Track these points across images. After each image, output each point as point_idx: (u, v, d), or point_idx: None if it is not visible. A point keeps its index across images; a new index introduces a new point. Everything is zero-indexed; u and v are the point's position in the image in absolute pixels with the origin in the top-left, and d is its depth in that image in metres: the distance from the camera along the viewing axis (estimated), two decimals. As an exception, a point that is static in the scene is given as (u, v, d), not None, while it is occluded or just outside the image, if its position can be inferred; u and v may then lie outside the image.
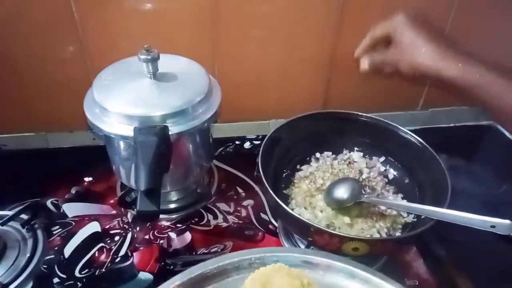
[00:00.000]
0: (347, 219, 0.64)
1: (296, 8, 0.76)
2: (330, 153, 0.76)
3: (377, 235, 0.63)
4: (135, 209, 0.67)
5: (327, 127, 0.75)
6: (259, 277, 0.41)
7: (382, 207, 0.66)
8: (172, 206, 0.73)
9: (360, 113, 0.73)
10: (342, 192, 0.65)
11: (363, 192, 0.64)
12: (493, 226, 0.51)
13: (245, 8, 0.74)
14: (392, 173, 0.73)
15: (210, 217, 0.72)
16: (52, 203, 0.73)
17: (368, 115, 0.73)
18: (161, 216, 0.70)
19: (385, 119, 0.73)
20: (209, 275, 0.44)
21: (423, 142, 0.68)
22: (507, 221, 0.51)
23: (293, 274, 0.42)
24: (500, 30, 0.84)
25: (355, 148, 0.77)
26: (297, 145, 0.75)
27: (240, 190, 0.77)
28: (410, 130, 0.70)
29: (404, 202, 0.67)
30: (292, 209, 0.63)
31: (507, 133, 0.95)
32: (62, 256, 0.64)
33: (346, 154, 0.76)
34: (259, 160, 0.62)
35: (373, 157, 0.75)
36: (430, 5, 0.78)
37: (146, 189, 0.50)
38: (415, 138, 0.69)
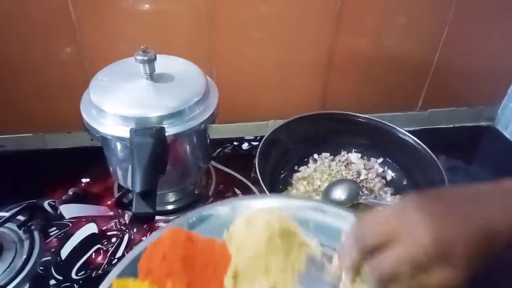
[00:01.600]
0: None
1: (294, 10, 0.76)
2: (328, 154, 0.76)
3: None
4: (131, 211, 0.68)
5: (325, 128, 0.75)
6: (246, 215, 0.43)
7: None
8: (170, 207, 0.73)
9: (358, 114, 0.73)
10: (340, 194, 0.65)
11: (361, 193, 0.64)
12: None
13: (243, 9, 0.74)
14: (390, 174, 0.73)
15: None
16: (49, 204, 0.72)
17: (366, 116, 0.73)
18: (159, 217, 0.70)
19: (384, 120, 0.73)
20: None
21: (421, 143, 0.67)
22: None
23: (276, 216, 0.42)
24: (498, 29, 0.84)
25: (353, 149, 0.77)
26: (295, 146, 0.75)
27: (237, 191, 0.77)
28: (409, 131, 0.70)
29: None
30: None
31: (506, 134, 0.95)
32: (58, 258, 0.64)
33: (344, 155, 0.76)
34: (256, 161, 0.62)
35: (371, 159, 0.75)
36: (428, 6, 0.79)
37: (142, 190, 0.50)
38: (413, 139, 0.69)
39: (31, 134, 0.84)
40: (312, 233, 0.42)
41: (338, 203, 0.64)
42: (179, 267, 0.38)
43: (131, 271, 0.40)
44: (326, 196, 0.66)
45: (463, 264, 0.30)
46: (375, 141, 0.74)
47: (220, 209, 0.46)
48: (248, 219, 0.42)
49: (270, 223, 0.41)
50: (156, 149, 0.53)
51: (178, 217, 0.46)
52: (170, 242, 0.40)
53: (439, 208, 0.31)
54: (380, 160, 0.75)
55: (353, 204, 0.64)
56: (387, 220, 0.33)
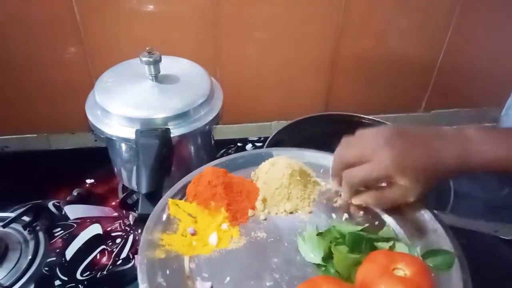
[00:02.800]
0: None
1: (298, 11, 0.76)
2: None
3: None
4: (136, 212, 0.68)
5: (329, 129, 0.75)
6: (270, 160, 0.53)
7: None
8: (174, 208, 0.73)
9: (362, 116, 0.73)
10: None
11: None
12: (496, 231, 0.51)
13: (247, 11, 0.74)
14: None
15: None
16: (53, 205, 0.73)
17: (370, 117, 0.73)
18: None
19: (388, 121, 0.73)
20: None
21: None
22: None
23: (295, 161, 0.52)
24: (502, 30, 0.84)
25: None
26: (299, 148, 0.74)
27: (241, 192, 0.77)
28: (413, 132, 0.69)
29: None
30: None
31: (510, 135, 0.94)
32: (63, 258, 0.64)
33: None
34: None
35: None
36: (432, 7, 0.79)
37: (148, 192, 0.50)
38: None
39: (35, 135, 0.85)
40: (321, 176, 0.53)
41: None
42: (221, 191, 0.48)
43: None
44: None
45: (414, 182, 0.42)
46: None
47: (248, 155, 0.58)
48: (272, 162, 0.52)
49: (291, 164, 0.51)
50: (162, 150, 0.53)
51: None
52: (212, 172, 0.49)
53: (403, 142, 0.42)
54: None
55: None
56: (363, 146, 0.44)
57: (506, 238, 0.52)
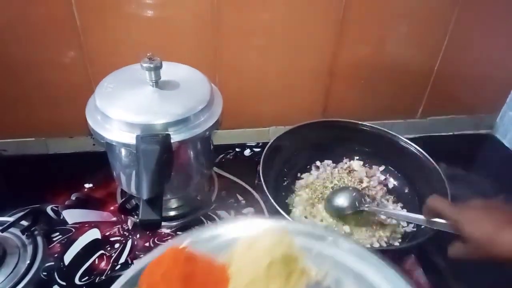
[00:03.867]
0: (347, 228, 0.64)
1: (297, 17, 0.77)
2: (330, 161, 0.77)
3: (377, 245, 0.63)
4: (137, 218, 0.68)
5: (327, 135, 0.76)
6: (249, 238, 0.43)
7: (382, 216, 0.66)
8: (173, 213, 0.73)
9: (359, 122, 0.74)
10: (342, 201, 0.66)
11: (363, 201, 0.65)
12: None
13: (246, 17, 0.75)
14: (392, 182, 0.74)
15: (211, 224, 0.72)
16: (52, 209, 0.73)
17: (367, 124, 0.74)
18: (162, 223, 0.70)
19: (384, 127, 0.74)
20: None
21: (422, 151, 0.68)
22: None
23: (279, 241, 0.43)
24: (498, 38, 0.85)
25: (355, 157, 0.77)
26: (297, 154, 0.75)
27: (240, 198, 0.77)
28: (409, 138, 0.70)
29: (404, 212, 0.68)
30: (293, 219, 0.64)
31: (505, 142, 0.96)
32: (62, 263, 0.64)
33: (346, 162, 0.77)
34: (260, 168, 0.63)
35: (373, 166, 0.76)
36: (430, 14, 0.80)
37: (149, 198, 0.50)
38: (415, 148, 0.69)
39: (33, 139, 0.84)
40: (313, 261, 0.42)
41: (341, 210, 0.65)
42: (177, 286, 0.39)
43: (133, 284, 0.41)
44: (329, 203, 0.67)
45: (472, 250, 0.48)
46: (377, 149, 0.75)
47: (224, 229, 0.46)
48: (250, 242, 0.42)
49: (272, 248, 0.41)
50: (162, 156, 0.53)
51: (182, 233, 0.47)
52: (170, 261, 0.40)
53: (480, 223, 0.48)
54: (382, 168, 0.75)
55: (356, 211, 0.64)
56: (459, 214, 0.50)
57: None
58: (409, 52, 0.85)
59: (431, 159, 0.66)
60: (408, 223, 0.66)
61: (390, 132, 0.73)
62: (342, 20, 0.77)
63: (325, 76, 0.85)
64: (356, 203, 0.65)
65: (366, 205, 0.65)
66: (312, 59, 0.83)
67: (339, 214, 0.66)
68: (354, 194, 0.66)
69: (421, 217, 0.60)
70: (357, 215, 0.65)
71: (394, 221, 0.66)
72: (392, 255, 0.58)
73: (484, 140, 0.99)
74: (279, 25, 0.77)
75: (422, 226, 0.61)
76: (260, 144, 0.89)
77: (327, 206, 0.67)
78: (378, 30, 0.81)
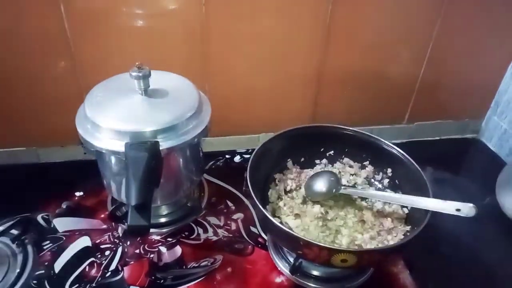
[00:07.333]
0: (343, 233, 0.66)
1: (285, 26, 0.78)
2: (318, 166, 0.78)
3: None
4: (125, 224, 0.68)
5: (315, 140, 0.77)
6: None
7: (371, 218, 0.67)
8: (163, 220, 0.74)
9: (346, 127, 0.75)
10: (321, 186, 0.68)
11: (341, 184, 0.68)
12: (458, 210, 0.56)
13: (234, 26, 0.76)
14: (377, 186, 0.75)
15: (200, 230, 0.72)
16: (42, 218, 0.73)
17: (354, 128, 0.75)
18: (152, 230, 0.70)
19: (372, 132, 0.75)
20: None
21: (405, 154, 0.69)
22: (470, 204, 0.56)
23: None
24: (481, 45, 0.87)
25: (343, 161, 0.78)
26: (285, 158, 0.76)
27: (230, 204, 0.78)
28: (396, 143, 0.71)
29: (380, 192, 0.71)
30: (281, 222, 0.64)
31: (491, 146, 0.98)
32: (52, 271, 0.64)
33: (333, 167, 0.78)
34: (247, 174, 0.64)
35: (361, 171, 0.77)
36: (415, 22, 0.82)
37: (137, 204, 0.51)
38: (398, 151, 0.71)
39: (24, 148, 0.85)
40: None
41: (320, 195, 0.68)
42: None
43: None
44: (308, 188, 0.69)
45: None
46: (363, 153, 0.76)
47: None
48: None
49: None
50: (151, 162, 0.54)
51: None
52: None
53: None
54: (369, 171, 0.76)
55: (334, 195, 0.67)
56: None
57: (467, 216, 0.56)
58: (395, 59, 0.87)
59: (413, 161, 0.67)
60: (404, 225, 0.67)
61: (374, 136, 0.73)
62: (328, 28, 0.79)
63: (313, 83, 0.87)
64: (334, 186, 0.68)
65: (344, 187, 0.68)
66: (300, 66, 0.84)
67: (319, 198, 0.69)
68: (331, 177, 0.69)
69: (395, 195, 0.63)
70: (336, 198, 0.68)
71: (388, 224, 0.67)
72: (380, 256, 0.59)
73: (470, 144, 1.00)
74: (267, 33, 0.79)
75: (415, 228, 0.61)
76: (250, 150, 0.91)
77: (307, 191, 0.70)
78: (364, 37, 0.83)
